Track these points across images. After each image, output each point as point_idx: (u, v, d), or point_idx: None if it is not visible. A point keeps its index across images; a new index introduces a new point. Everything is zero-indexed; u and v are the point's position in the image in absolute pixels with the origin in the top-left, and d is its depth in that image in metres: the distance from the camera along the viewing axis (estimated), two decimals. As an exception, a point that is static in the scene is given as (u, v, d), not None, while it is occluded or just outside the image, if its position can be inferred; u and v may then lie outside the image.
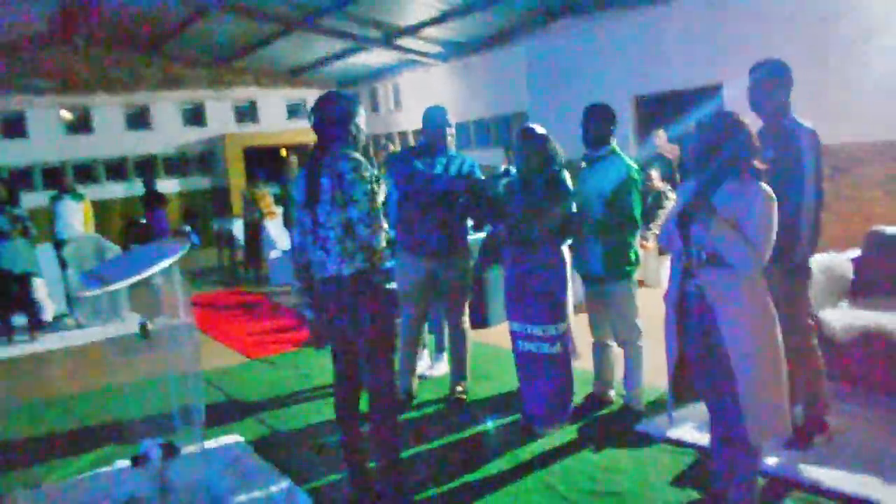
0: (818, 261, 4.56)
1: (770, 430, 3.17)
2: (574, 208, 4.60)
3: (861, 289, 5.05)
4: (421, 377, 5.69)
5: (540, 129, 4.62)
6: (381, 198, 3.80)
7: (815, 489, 3.58)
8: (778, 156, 3.80)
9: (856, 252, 5.26)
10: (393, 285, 5.26)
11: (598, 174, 4.62)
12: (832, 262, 5.02)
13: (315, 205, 3.62)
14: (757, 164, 3.14)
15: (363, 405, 3.82)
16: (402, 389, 5.27)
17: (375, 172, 3.69)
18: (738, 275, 3.06)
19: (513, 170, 6.04)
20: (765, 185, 3.08)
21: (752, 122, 3.80)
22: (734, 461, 3.28)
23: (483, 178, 5.11)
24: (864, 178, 8.04)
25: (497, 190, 4.92)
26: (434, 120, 5.10)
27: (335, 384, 3.90)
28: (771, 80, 3.97)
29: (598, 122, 4.67)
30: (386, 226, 3.74)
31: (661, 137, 9.69)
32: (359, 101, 3.88)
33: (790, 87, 3.99)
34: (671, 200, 7.80)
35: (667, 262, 3.59)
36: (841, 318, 4.64)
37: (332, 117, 3.69)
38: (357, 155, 3.66)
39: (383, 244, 3.67)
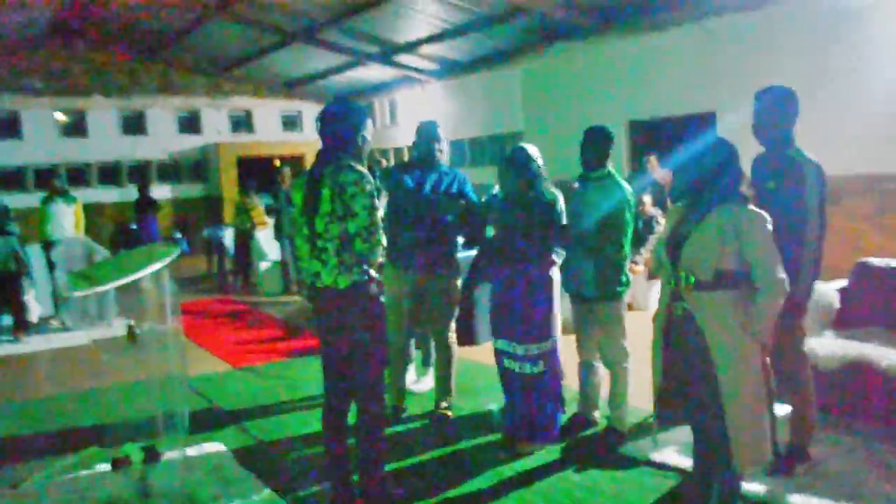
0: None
1: (753, 455, 3.19)
2: (562, 223, 4.63)
3: (847, 319, 5.09)
4: (406, 392, 5.68)
5: (532, 149, 4.67)
6: (381, 212, 3.78)
7: (796, 516, 3.59)
8: (779, 187, 3.74)
9: (843, 282, 5.31)
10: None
11: (595, 195, 4.64)
12: (819, 291, 5.05)
13: (314, 215, 3.58)
14: (745, 190, 3.20)
15: (351, 418, 3.81)
16: (388, 404, 5.27)
17: (377, 184, 3.65)
18: (727, 297, 3.10)
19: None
20: (756, 208, 3.14)
21: (752, 149, 3.85)
22: (717, 485, 3.29)
23: (472, 196, 5.13)
24: (852, 210, 8.11)
25: (482, 210, 4.96)
26: (424, 133, 5.14)
27: (325, 395, 3.87)
28: (777, 108, 3.87)
29: (597, 144, 4.71)
30: (385, 241, 3.70)
31: (652, 163, 9.75)
32: (368, 112, 3.82)
33: (796, 115, 3.89)
34: (661, 225, 7.85)
35: (656, 285, 3.61)
36: (826, 347, 4.67)
37: (340, 126, 3.63)
38: (360, 168, 3.61)
39: (380, 259, 3.65)
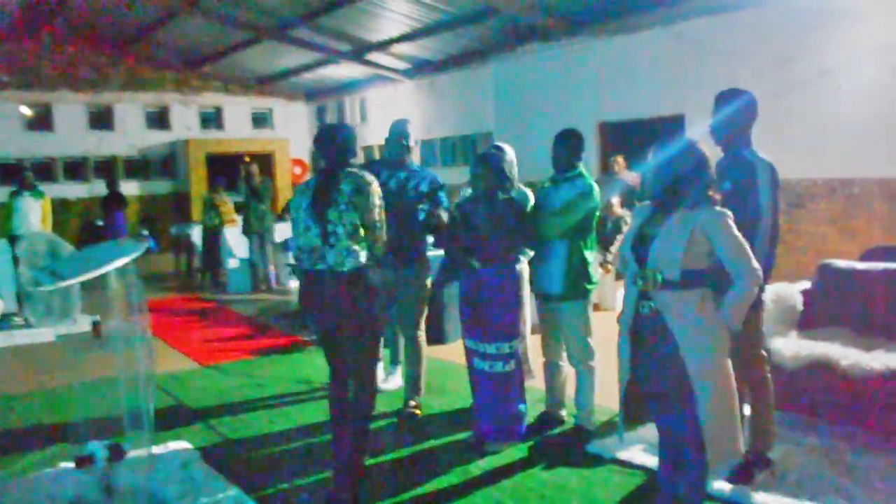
0: (770, 290, 4.66)
1: (725, 453, 3.22)
2: (530, 221, 4.67)
3: (810, 319, 5.16)
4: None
5: (508, 149, 4.69)
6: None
7: (759, 514, 3.63)
8: (735, 188, 3.81)
9: (806, 284, 5.38)
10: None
11: (567, 193, 4.66)
12: (783, 292, 5.13)
13: (328, 206, 3.81)
14: (712, 193, 3.24)
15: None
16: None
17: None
18: (693, 296, 3.13)
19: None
20: (719, 208, 3.19)
21: (712, 151, 3.90)
22: (683, 484, 3.32)
23: (442, 196, 5.14)
24: (817, 213, 8.23)
25: (452, 208, 4.97)
26: (395, 132, 5.17)
27: (329, 383, 4.08)
28: (736, 112, 3.95)
29: (568, 147, 4.74)
30: (385, 237, 4.00)
31: (620, 163, 9.82)
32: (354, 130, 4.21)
33: (754, 119, 3.99)
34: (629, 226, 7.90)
35: (622, 286, 3.63)
36: (790, 347, 4.74)
37: (342, 145, 3.96)
38: (372, 178, 3.94)
39: (381, 252, 4.00)
